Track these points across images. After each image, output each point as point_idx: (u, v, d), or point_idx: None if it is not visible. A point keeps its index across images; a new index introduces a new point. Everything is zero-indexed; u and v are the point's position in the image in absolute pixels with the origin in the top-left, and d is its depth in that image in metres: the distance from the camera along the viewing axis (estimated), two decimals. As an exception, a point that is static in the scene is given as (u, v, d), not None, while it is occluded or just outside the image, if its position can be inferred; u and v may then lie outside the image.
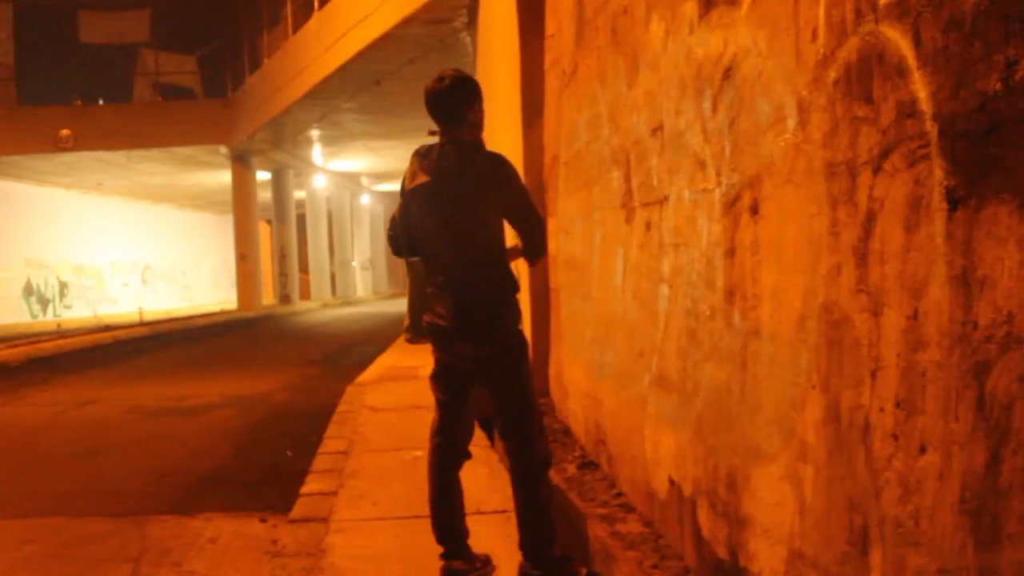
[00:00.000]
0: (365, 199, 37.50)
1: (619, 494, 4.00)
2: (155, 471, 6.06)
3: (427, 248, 3.49)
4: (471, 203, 3.39)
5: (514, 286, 3.52)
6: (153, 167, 27.01)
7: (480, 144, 3.48)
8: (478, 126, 3.50)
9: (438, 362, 3.55)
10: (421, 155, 3.48)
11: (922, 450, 1.71)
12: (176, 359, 14.17)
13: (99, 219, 31.12)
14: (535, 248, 3.58)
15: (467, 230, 3.41)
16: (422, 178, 3.42)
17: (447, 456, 3.52)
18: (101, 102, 25.82)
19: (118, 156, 24.92)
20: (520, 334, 3.51)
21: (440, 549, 3.44)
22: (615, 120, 4.04)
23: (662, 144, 3.32)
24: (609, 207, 4.17)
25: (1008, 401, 1.47)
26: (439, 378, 3.55)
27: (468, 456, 3.59)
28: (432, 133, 3.48)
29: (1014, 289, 1.46)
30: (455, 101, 3.42)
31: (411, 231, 3.53)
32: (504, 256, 3.53)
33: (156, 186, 31.05)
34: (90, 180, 28.37)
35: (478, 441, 4.25)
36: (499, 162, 3.47)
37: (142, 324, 21.31)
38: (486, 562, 3.49)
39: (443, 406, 3.55)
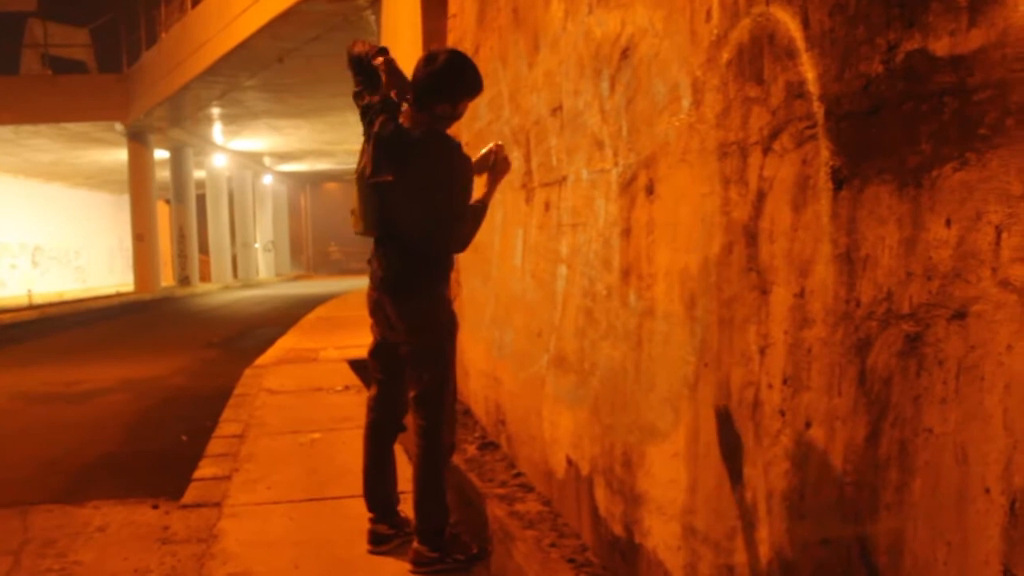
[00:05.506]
0: (268, 179, 36.68)
1: (519, 474, 4.01)
2: (41, 459, 5.82)
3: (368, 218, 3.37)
4: (399, 191, 3.22)
5: (449, 265, 3.42)
6: (44, 143, 25.89)
7: (426, 136, 3.19)
8: (443, 120, 3.24)
9: (375, 337, 3.54)
10: (370, 114, 3.32)
11: (807, 425, 1.75)
12: (67, 343, 13.63)
13: (-16, 197, 29.72)
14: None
15: (395, 213, 3.28)
16: (364, 147, 3.32)
17: (382, 429, 3.56)
18: (-16, 74, 24.62)
19: (5, 131, 23.81)
20: (449, 311, 3.42)
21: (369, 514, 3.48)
22: (516, 100, 4.02)
23: (561, 124, 3.31)
24: (509, 187, 4.15)
25: (887, 376, 1.51)
26: (375, 355, 3.56)
27: (403, 428, 3.60)
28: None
29: (894, 267, 1.49)
30: (426, 86, 3.17)
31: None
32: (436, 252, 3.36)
33: (47, 163, 29.80)
34: (-27, 156, 27.08)
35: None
36: (439, 157, 3.19)
37: (31, 307, 20.46)
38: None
39: (378, 383, 3.57)
